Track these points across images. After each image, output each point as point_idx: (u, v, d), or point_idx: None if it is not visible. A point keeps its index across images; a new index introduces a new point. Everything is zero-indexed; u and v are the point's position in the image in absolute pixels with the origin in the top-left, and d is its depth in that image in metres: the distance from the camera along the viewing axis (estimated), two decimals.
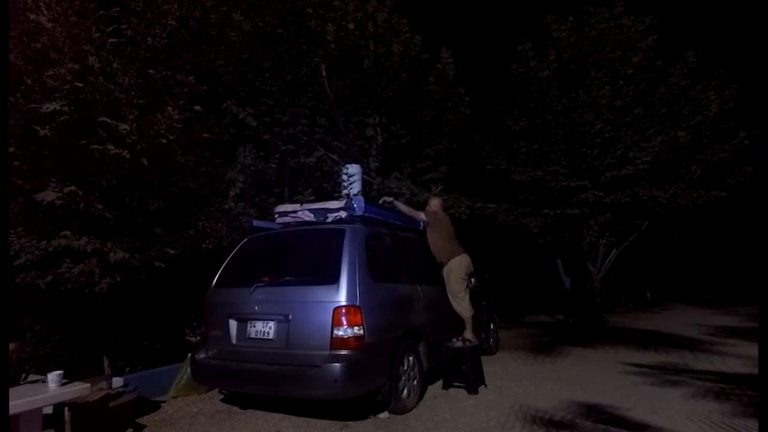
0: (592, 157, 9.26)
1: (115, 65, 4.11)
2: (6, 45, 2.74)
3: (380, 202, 4.84)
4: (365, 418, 3.74)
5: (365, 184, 6.70)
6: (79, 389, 2.80)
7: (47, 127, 3.86)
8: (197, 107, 4.69)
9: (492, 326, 6.53)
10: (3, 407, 2.08)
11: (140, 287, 4.97)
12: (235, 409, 4.14)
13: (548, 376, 5.12)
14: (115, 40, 4.28)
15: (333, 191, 6.65)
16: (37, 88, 3.85)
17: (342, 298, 3.39)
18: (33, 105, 3.76)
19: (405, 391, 3.87)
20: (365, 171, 6.98)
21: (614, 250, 10.71)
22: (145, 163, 4.27)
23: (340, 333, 3.33)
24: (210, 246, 5.77)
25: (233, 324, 3.85)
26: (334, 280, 3.47)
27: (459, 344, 4.62)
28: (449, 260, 4.71)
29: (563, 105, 9.53)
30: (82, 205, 4.05)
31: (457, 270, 4.68)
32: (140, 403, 4.12)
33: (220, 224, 5.95)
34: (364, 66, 8.00)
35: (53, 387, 2.73)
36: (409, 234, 4.98)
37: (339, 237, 3.74)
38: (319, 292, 3.51)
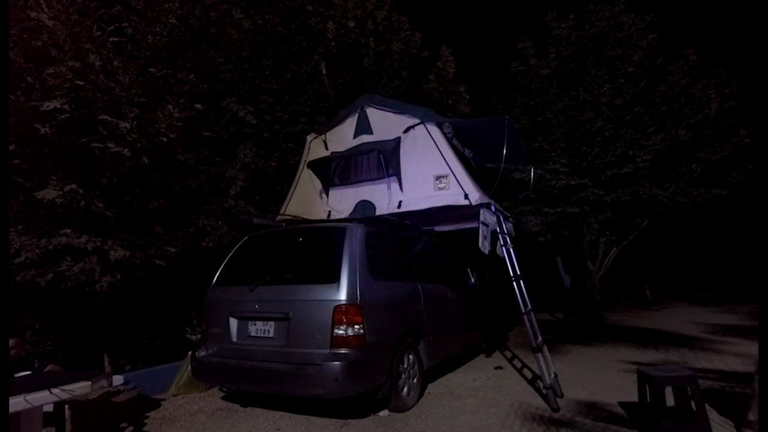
0: (593, 155, 9.25)
1: (115, 63, 4.11)
2: (6, 43, 2.74)
3: None
4: (365, 416, 3.75)
5: None
6: (79, 387, 2.80)
7: (47, 125, 3.87)
8: (198, 105, 4.69)
9: (493, 326, 6.55)
10: (3, 407, 2.08)
11: (140, 285, 4.98)
12: (236, 407, 4.15)
13: None
14: (116, 38, 4.28)
15: None
16: (37, 86, 3.85)
17: (342, 296, 3.39)
18: (33, 103, 3.76)
19: (405, 390, 3.88)
20: None
21: (614, 249, 10.71)
22: (146, 161, 4.28)
23: (341, 331, 3.33)
24: (210, 244, 5.77)
25: (234, 322, 3.86)
26: (335, 279, 3.46)
27: None
28: None
29: (563, 103, 9.52)
30: (82, 203, 4.06)
31: None
32: (140, 401, 4.13)
33: (220, 222, 5.96)
34: (364, 64, 8.00)
35: None
36: (410, 232, 4.97)
37: (339, 236, 3.74)
38: (320, 291, 3.50)
